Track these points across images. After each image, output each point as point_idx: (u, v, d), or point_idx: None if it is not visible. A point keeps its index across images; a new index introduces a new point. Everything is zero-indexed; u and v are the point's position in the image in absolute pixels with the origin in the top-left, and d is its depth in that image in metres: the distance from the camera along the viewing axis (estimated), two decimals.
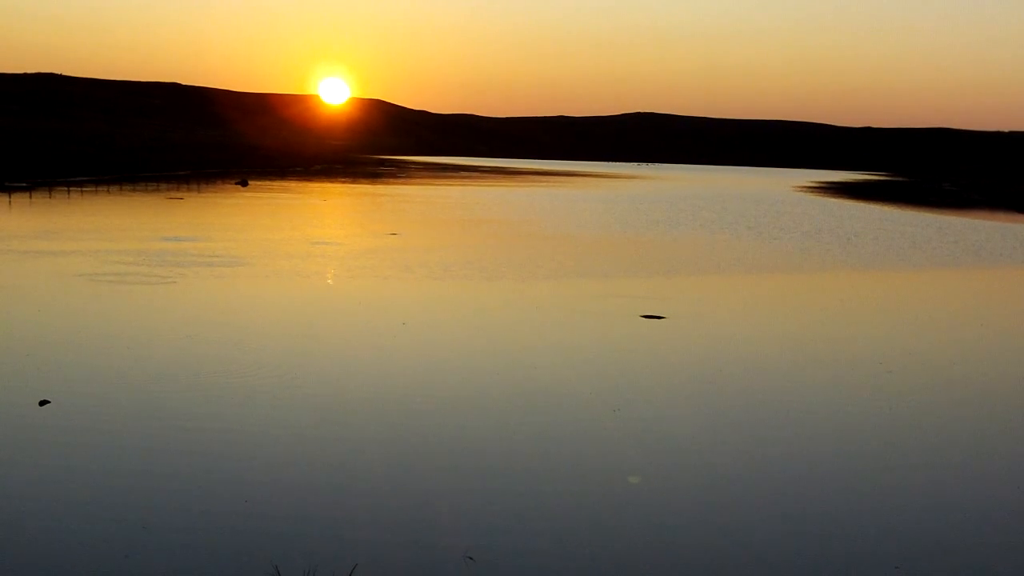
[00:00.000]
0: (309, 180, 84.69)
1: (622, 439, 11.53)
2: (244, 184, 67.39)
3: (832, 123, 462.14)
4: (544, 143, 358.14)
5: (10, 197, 46.33)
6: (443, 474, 10.10)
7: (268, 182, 74.91)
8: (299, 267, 25.35)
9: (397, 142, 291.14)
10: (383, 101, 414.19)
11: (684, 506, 9.51)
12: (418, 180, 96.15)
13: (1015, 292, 29.17)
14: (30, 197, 47.37)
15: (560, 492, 9.71)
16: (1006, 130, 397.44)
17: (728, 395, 13.78)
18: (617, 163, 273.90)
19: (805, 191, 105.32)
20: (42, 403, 11.93)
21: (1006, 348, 18.52)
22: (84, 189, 54.62)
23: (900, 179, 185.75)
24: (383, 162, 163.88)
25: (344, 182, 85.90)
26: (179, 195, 54.46)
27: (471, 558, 8.10)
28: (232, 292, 21.05)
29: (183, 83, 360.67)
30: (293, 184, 75.28)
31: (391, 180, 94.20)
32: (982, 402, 13.99)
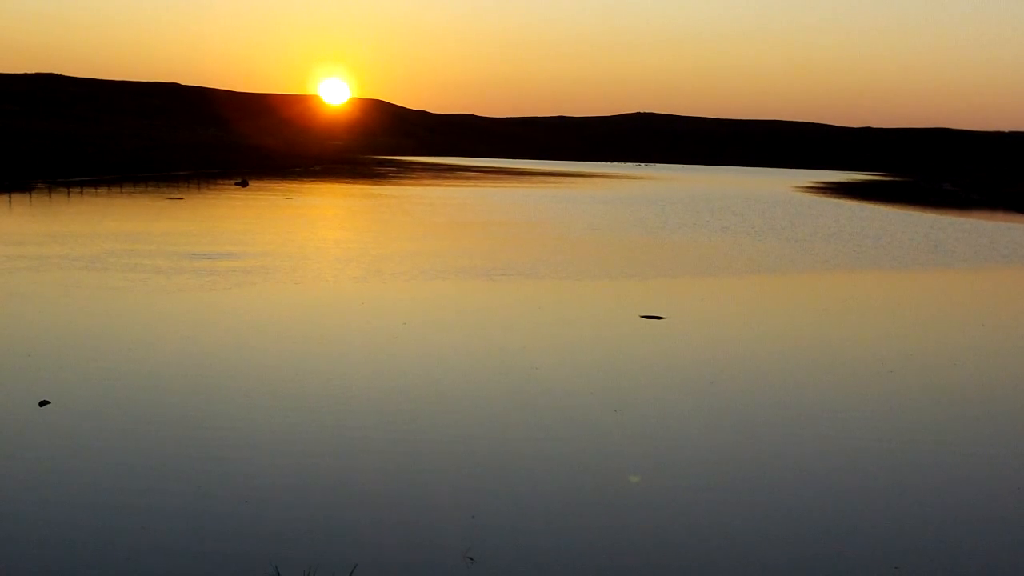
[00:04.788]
0: (310, 181, 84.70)
1: (623, 439, 11.53)
2: (244, 184, 67.32)
3: (831, 123, 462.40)
4: (544, 143, 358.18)
5: (10, 198, 46.33)
6: (443, 474, 10.10)
7: (268, 183, 74.91)
8: (298, 269, 25.35)
9: (397, 142, 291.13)
10: (383, 101, 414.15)
11: (684, 506, 9.51)
12: (419, 181, 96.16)
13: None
14: (30, 198, 47.37)
15: (560, 492, 9.71)
16: (1006, 130, 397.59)
17: (729, 395, 13.78)
18: (617, 163, 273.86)
19: (812, 193, 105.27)
20: (42, 404, 11.93)
21: (1008, 348, 18.51)
22: (84, 190, 54.61)
23: (900, 179, 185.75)
24: (383, 162, 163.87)
25: (345, 182, 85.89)
26: (179, 195, 54.46)
27: (471, 558, 8.10)
28: (232, 294, 21.05)
29: (183, 83, 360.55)
30: (294, 185, 75.26)
31: (392, 181, 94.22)
32: (982, 402, 14.00)
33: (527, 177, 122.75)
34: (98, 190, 55.10)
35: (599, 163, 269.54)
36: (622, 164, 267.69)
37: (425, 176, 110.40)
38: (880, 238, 41.81)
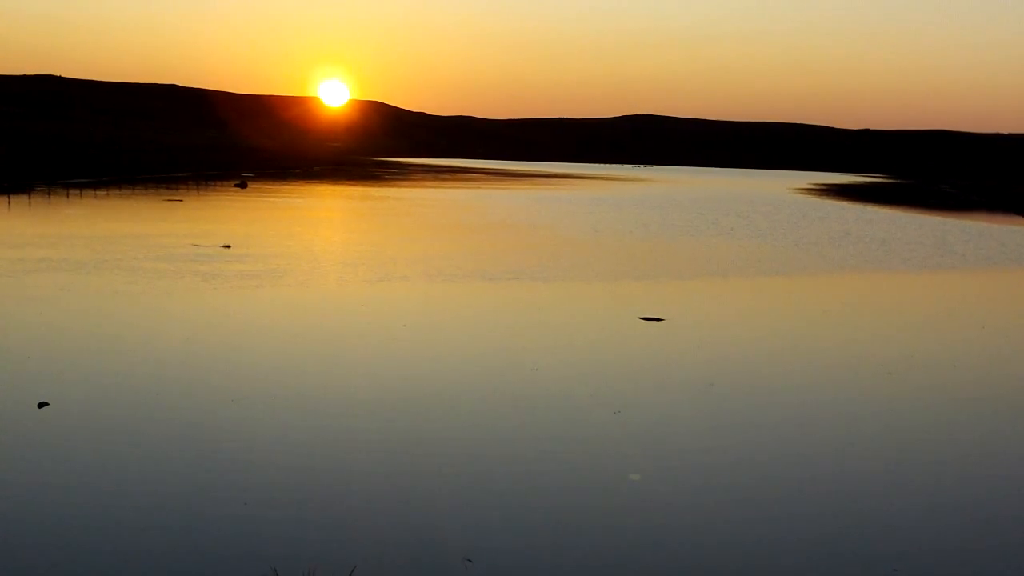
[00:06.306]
0: (309, 182, 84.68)
1: (622, 441, 11.53)
2: (243, 186, 67.23)
3: (830, 125, 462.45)
4: (543, 145, 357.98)
5: (9, 199, 46.31)
6: (443, 475, 10.09)
7: (267, 184, 74.88)
8: (299, 271, 25.34)
9: (396, 144, 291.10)
10: (382, 103, 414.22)
11: (684, 508, 9.51)
12: (420, 183, 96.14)
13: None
14: (29, 199, 47.35)
15: (560, 494, 9.71)
16: (1004, 132, 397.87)
17: (728, 397, 13.78)
18: (616, 165, 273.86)
19: (812, 195, 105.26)
20: (41, 405, 11.92)
21: (1007, 350, 18.52)
22: (83, 191, 54.58)
23: (900, 181, 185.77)
24: (383, 164, 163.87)
25: (345, 184, 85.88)
26: (178, 197, 54.47)
27: (470, 560, 8.09)
28: (232, 295, 21.04)
29: (182, 85, 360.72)
30: (293, 187, 75.26)
31: (393, 182, 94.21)
32: (982, 404, 14.00)
33: (527, 179, 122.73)
34: (97, 191, 55.09)
35: (599, 165, 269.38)
36: (621, 166, 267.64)
37: (425, 178, 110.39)
38: (887, 241, 41.73)
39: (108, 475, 9.74)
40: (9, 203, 44.30)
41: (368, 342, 16.69)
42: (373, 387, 13.53)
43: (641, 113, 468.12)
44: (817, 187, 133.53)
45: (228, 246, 29.46)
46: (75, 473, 9.78)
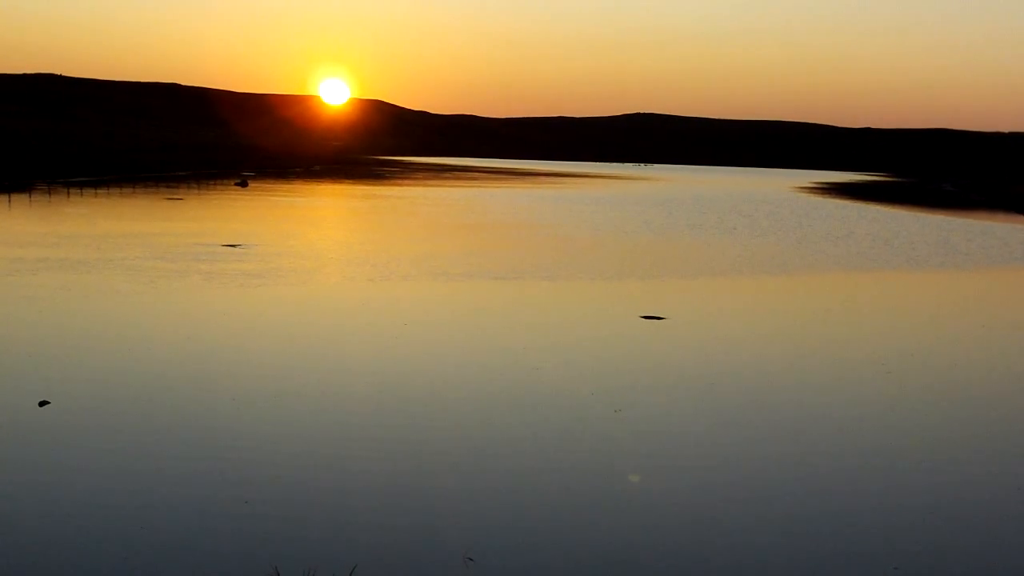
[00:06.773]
0: (310, 181, 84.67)
1: (623, 440, 11.52)
2: (244, 185, 67.22)
3: (831, 123, 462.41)
4: (544, 144, 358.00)
5: (9, 198, 46.31)
6: (443, 475, 10.09)
7: (268, 183, 74.87)
8: (302, 271, 25.34)
9: (397, 143, 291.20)
10: (383, 102, 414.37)
11: (684, 506, 9.50)
12: (421, 181, 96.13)
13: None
14: (29, 198, 47.35)
15: (560, 492, 9.70)
16: (1005, 131, 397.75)
17: (728, 396, 13.77)
18: (617, 164, 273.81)
19: (813, 193, 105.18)
20: (41, 404, 11.92)
21: (1006, 348, 18.49)
22: (84, 190, 54.59)
23: (901, 180, 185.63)
24: (384, 163, 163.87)
25: (346, 183, 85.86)
26: (178, 196, 54.49)
27: (471, 559, 8.09)
28: (232, 295, 21.03)
29: (183, 84, 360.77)
30: (294, 186, 75.25)
31: (394, 181, 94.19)
32: (981, 403, 13.99)
33: (528, 178, 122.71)
34: (98, 190, 55.08)
35: (599, 163, 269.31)
36: (622, 164, 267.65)
37: (427, 177, 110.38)
38: (888, 239, 41.69)
39: (108, 474, 9.74)
40: (10, 202, 44.31)
41: (370, 341, 16.68)
42: (374, 386, 13.52)
43: (642, 112, 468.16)
44: (818, 186, 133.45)
45: (230, 245, 29.48)
46: (75, 472, 9.77)
